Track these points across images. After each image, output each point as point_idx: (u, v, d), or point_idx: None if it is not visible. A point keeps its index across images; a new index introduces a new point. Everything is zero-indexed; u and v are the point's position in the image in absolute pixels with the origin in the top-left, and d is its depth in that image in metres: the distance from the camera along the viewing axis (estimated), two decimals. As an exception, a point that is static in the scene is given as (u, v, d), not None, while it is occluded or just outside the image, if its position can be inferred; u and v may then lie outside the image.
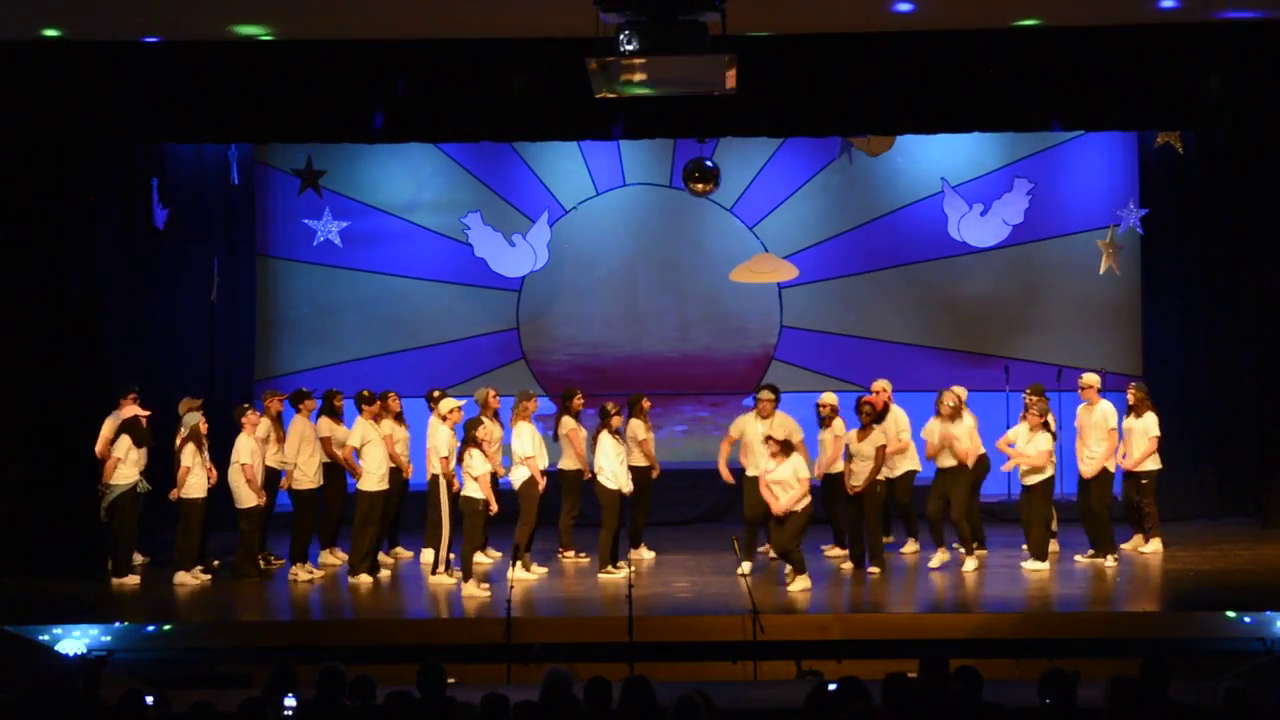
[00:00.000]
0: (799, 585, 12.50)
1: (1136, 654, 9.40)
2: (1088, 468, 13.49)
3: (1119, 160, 16.71)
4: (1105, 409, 13.58)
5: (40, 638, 11.43)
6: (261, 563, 13.74)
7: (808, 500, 12.64)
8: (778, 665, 11.20)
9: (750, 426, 13.63)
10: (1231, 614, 11.55)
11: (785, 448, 12.67)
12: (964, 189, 16.98)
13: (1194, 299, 16.17)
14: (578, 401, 14.26)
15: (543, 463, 13.78)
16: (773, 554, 13.23)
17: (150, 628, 11.84)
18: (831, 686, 7.28)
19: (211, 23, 12.12)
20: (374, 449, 13.40)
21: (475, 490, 12.69)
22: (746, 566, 12.81)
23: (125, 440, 13.28)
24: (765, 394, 13.65)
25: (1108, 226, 16.68)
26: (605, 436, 13.56)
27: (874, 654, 10.98)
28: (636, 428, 14.12)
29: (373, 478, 13.37)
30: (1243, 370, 15.97)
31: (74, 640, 11.42)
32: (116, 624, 11.71)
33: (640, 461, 14.12)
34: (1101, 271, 16.70)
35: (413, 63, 12.75)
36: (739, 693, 10.20)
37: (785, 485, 12.56)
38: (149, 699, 7.69)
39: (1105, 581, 12.97)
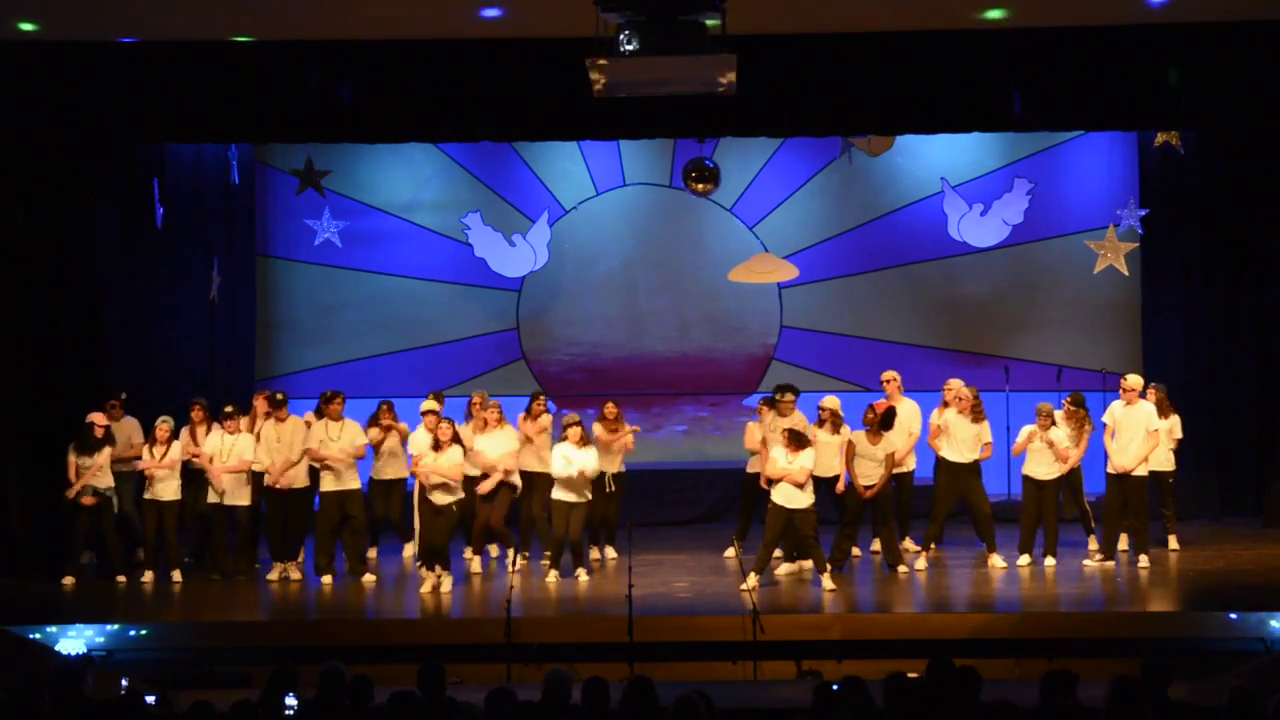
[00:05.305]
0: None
1: (1136, 654, 9.40)
2: (1125, 463, 13.39)
3: (1119, 160, 16.71)
4: (1149, 409, 13.53)
5: (38, 638, 11.43)
6: (243, 564, 13.68)
7: (813, 498, 12.66)
8: (778, 665, 11.20)
9: (771, 432, 13.49)
10: (1231, 614, 11.55)
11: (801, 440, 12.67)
12: (964, 189, 16.98)
13: (1194, 299, 16.16)
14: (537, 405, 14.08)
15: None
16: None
17: (149, 628, 11.83)
18: (834, 687, 7.28)
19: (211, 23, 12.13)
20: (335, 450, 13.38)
21: (443, 493, 12.78)
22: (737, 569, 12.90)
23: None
24: (788, 395, 13.56)
25: (1107, 226, 16.69)
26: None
27: (874, 654, 10.98)
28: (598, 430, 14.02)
29: (331, 478, 13.35)
30: (1243, 370, 15.95)
31: (73, 640, 11.42)
32: (115, 624, 11.70)
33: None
34: (1096, 271, 16.72)
35: (413, 63, 12.74)
36: (739, 693, 10.19)
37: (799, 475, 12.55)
38: (149, 699, 7.68)
39: (1105, 581, 12.96)
